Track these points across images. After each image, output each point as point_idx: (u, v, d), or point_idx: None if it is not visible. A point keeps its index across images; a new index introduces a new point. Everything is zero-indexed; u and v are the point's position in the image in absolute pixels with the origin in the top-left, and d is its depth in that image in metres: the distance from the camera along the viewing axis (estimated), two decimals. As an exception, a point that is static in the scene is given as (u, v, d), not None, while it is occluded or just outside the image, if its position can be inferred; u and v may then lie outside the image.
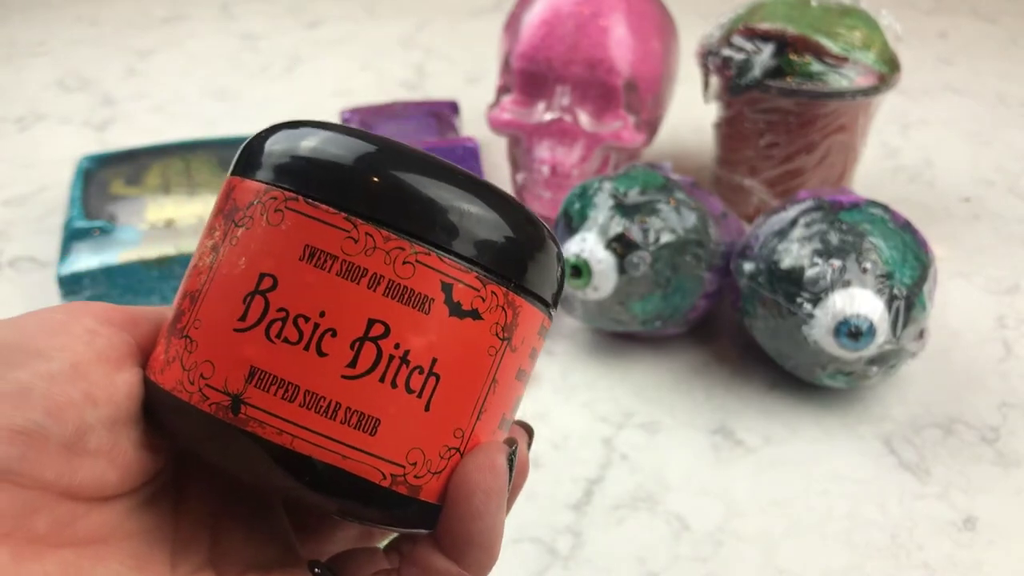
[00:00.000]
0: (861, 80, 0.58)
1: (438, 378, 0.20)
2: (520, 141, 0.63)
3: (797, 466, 0.47)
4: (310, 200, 0.20)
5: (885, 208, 0.48)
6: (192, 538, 0.23)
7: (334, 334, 0.20)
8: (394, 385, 0.20)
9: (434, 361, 0.20)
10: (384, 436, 0.20)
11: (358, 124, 0.70)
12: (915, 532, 0.43)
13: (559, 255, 0.24)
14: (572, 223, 0.51)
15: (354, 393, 0.20)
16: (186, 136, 0.71)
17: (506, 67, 0.63)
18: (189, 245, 0.57)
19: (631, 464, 0.47)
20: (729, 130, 0.64)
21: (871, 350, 0.45)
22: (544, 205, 0.63)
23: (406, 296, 0.20)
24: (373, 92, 0.85)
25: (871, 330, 0.44)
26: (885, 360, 0.47)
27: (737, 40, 0.60)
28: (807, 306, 0.46)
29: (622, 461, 0.47)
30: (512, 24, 0.64)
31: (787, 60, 0.58)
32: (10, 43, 0.98)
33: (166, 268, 0.56)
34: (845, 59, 0.58)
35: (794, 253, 0.47)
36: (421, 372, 0.20)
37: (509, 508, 0.23)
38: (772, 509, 0.45)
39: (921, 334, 0.48)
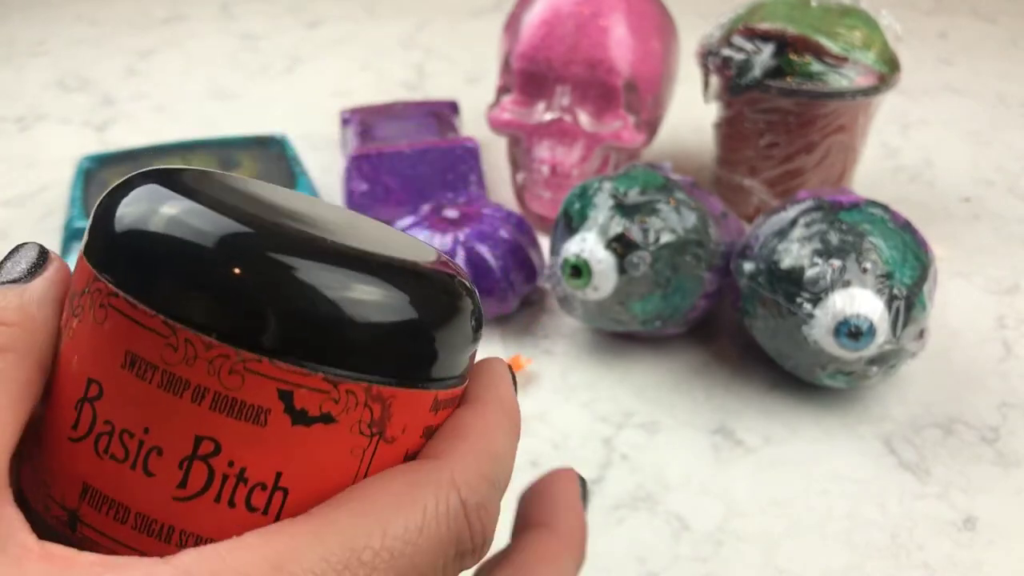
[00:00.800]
0: (861, 80, 0.58)
1: (286, 492, 0.18)
2: (520, 141, 0.63)
3: (797, 466, 0.47)
4: (130, 298, 0.18)
5: (885, 208, 0.48)
6: None
7: (160, 453, 0.17)
8: (232, 504, 0.18)
9: (279, 475, 0.18)
10: None
11: (358, 124, 0.70)
12: (915, 532, 0.43)
13: (472, 311, 0.20)
14: (572, 223, 0.51)
15: (188, 515, 0.18)
16: (186, 136, 0.71)
17: (506, 67, 0.63)
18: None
19: (631, 464, 0.47)
20: (729, 130, 0.64)
21: (871, 350, 0.45)
22: (544, 205, 0.63)
23: (236, 409, 0.17)
24: (373, 92, 0.85)
25: (871, 330, 0.44)
26: (885, 360, 0.47)
27: (737, 40, 0.60)
28: (807, 306, 0.46)
29: (622, 461, 0.47)
30: (512, 24, 0.64)
31: (787, 60, 0.58)
32: (10, 43, 0.98)
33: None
34: (845, 59, 0.58)
35: (794, 253, 0.47)
36: (264, 488, 0.18)
37: None
38: (772, 509, 0.45)
39: (921, 334, 0.48)
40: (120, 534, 0.18)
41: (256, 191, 0.21)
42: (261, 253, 0.17)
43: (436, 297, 0.19)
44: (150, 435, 0.17)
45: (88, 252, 0.19)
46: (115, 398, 0.18)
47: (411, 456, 0.20)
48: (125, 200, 0.19)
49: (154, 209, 0.18)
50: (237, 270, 0.17)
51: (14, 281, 0.21)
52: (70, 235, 0.58)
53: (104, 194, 0.20)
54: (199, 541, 0.18)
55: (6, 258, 0.21)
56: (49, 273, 0.21)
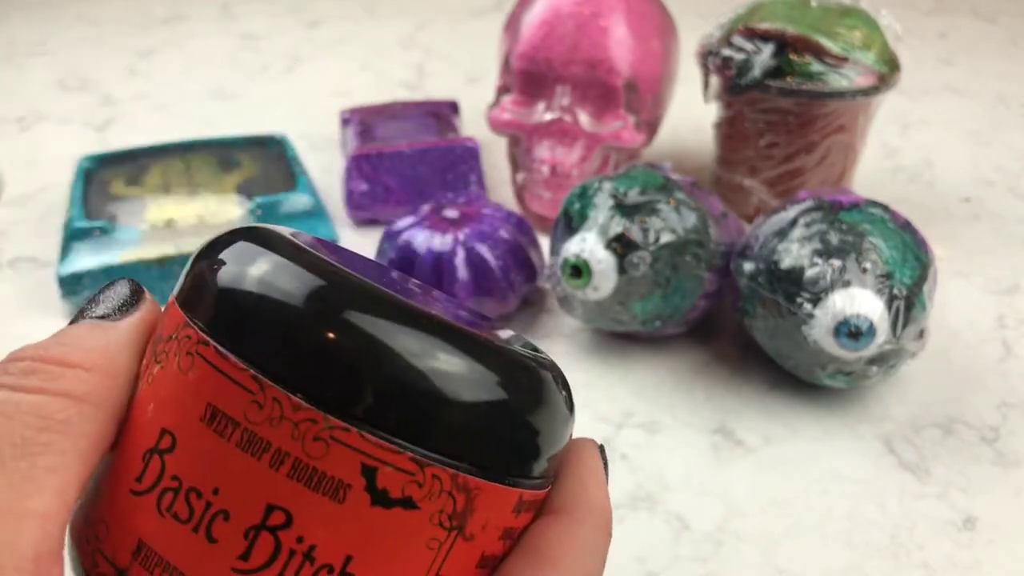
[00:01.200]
0: (861, 80, 0.58)
1: None
2: (520, 141, 0.63)
3: (797, 466, 0.47)
4: (220, 348, 0.17)
5: (885, 208, 0.48)
6: None
7: (226, 517, 0.16)
8: None
9: (348, 560, 0.17)
10: None
11: (358, 124, 0.70)
12: (915, 532, 0.43)
13: (569, 407, 0.20)
14: (572, 223, 0.51)
15: None
16: (186, 136, 0.71)
17: (506, 67, 0.63)
18: (189, 245, 0.57)
19: (631, 464, 0.47)
20: (729, 130, 0.64)
21: (871, 350, 0.45)
22: (544, 205, 0.63)
23: (315, 480, 0.16)
24: (373, 92, 0.85)
25: (871, 330, 0.44)
26: (885, 360, 0.47)
27: (737, 40, 0.60)
28: (807, 306, 0.46)
29: (622, 461, 0.47)
30: (512, 24, 0.64)
31: (787, 60, 0.58)
32: (10, 43, 0.98)
33: (166, 268, 0.56)
34: (845, 59, 0.58)
35: (794, 253, 0.47)
36: (331, 572, 0.17)
37: None
38: (772, 509, 0.45)
39: (921, 334, 0.48)
40: None
41: (348, 256, 0.21)
42: (369, 318, 0.17)
43: (536, 386, 0.19)
44: (219, 497, 0.16)
45: (181, 298, 0.19)
46: (188, 453, 0.17)
47: (487, 560, 0.19)
48: (229, 251, 0.18)
49: (258, 265, 0.17)
50: (338, 333, 0.16)
51: (102, 317, 0.20)
52: (70, 235, 0.58)
53: (207, 242, 0.19)
54: None
55: (98, 291, 0.20)
56: (139, 314, 0.20)
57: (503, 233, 0.55)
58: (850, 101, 0.58)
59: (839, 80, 0.58)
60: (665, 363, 0.54)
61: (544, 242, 0.61)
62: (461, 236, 0.54)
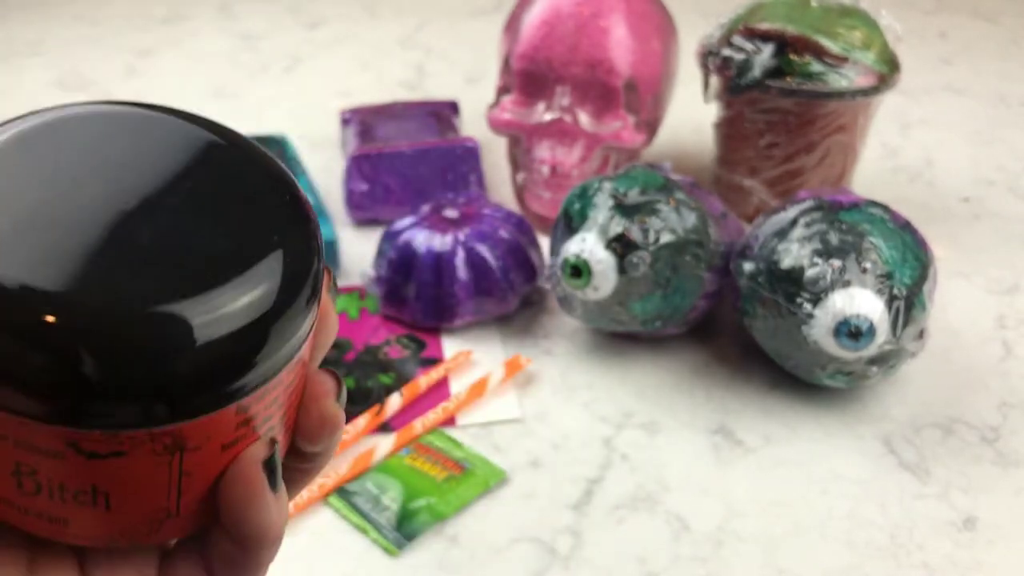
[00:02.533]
0: (861, 80, 0.58)
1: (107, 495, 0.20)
2: (520, 141, 0.63)
3: (797, 466, 0.47)
4: None
5: (885, 208, 0.48)
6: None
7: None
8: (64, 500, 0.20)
9: (94, 488, 0.20)
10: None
11: (358, 124, 0.70)
12: (915, 532, 0.43)
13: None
14: (572, 223, 0.51)
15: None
16: (186, 136, 0.71)
17: (506, 67, 0.63)
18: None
19: (631, 464, 0.47)
20: (729, 130, 0.64)
21: (871, 350, 0.45)
22: (544, 205, 0.63)
23: (37, 448, 0.19)
24: (373, 92, 0.85)
25: (871, 330, 0.44)
26: (885, 360, 0.47)
27: (737, 40, 0.60)
28: (807, 306, 0.46)
29: (622, 461, 0.47)
30: (512, 24, 0.64)
31: (787, 60, 0.58)
32: (9, 43, 0.98)
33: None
34: (845, 59, 0.58)
35: (794, 253, 0.47)
36: (87, 494, 0.20)
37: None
38: (772, 509, 0.45)
39: (921, 334, 0.48)
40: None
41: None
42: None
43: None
44: None
45: None
46: None
47: (227, 446, 0.20)
48: None
49: None
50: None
51: None
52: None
53: None
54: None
55: None
56: None
57: (503, 233, 0.55)
58: (850, 101, 0.58)
59: (839, 80, 0.58)
60: (665, 363, 0.54)
61: (544, 242, 0.61)
62: (461, 236, 0.54)
